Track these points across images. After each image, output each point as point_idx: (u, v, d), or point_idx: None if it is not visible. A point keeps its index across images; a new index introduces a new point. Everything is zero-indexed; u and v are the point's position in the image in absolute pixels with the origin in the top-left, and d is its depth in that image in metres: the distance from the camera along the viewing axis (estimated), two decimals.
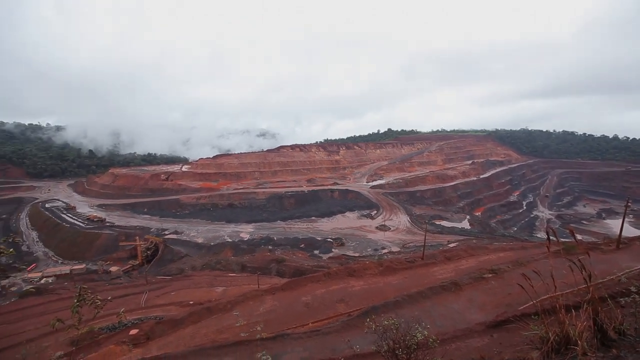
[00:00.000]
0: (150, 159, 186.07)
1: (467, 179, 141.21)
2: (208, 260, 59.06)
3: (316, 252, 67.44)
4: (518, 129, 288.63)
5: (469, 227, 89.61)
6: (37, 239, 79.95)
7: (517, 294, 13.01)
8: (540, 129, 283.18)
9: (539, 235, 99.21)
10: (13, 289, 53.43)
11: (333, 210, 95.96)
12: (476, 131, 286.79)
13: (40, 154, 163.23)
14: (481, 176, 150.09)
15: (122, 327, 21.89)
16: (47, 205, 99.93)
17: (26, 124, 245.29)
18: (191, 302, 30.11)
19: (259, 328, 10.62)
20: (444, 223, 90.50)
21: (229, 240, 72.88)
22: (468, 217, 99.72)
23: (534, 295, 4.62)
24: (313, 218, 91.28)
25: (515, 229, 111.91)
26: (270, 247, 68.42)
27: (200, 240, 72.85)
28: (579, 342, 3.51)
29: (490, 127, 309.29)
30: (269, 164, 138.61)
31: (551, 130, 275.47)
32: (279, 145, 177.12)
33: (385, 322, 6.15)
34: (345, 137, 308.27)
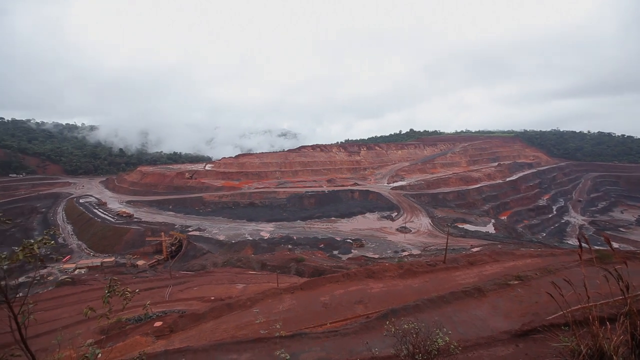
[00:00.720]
0: (175, 158, 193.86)
1: (492, 182, 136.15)
2: (229, 258, 60.42)
3: (335, 252, 67.35)
4: (548, 129, 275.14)
5: (494, 232, 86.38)
6: (72, 232, 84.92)
7: (545, 302, 12.42)
8: (573, 129, 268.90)
9: (570, 242, 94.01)
10: (50, 278, 57.01)
11: (353, 210, 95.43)
12: (503, 132, 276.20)
13: (76, 152, 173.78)
14: (508, 179, 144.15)
15: (148, 319, 22.84)
16: (81, 201, 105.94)
17: (64, 124, 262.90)
18: (212, 298, 30.94)
19: (277, 326, 10.76)
20: (468, 226, 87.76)
21: (250, 238, 74.16)
22: (493, 221, 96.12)
23: (564, 305, 4.37)
24: (333, 218, 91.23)
25: (544, 234, 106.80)
26: (290, 246, 69.05)
27: (222, 238, 74.51)
28: (614, 357, 3.31)
29: (518, 127, 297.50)
30: (290, 164, 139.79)
31: (585, 132, 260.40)
32: (299, 145, 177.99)
33: (405, 326, 6.06)
34: (366, 137, 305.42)
